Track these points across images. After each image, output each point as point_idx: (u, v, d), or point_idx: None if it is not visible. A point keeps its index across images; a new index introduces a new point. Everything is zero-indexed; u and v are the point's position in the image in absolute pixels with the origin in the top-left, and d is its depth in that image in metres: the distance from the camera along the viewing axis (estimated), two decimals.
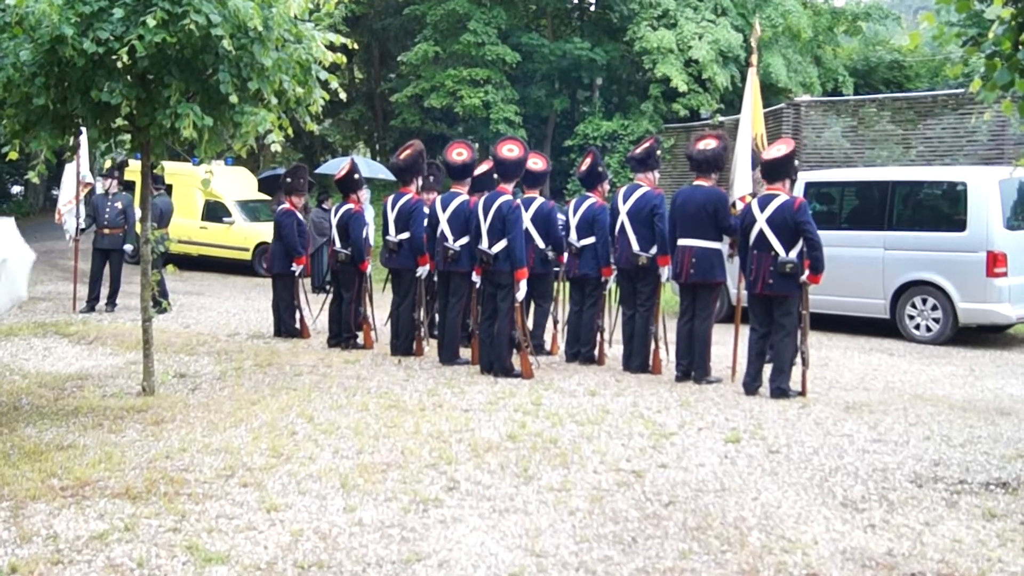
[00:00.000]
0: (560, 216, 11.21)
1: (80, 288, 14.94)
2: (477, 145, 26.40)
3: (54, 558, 5.01)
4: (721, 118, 22.88)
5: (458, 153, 10.95)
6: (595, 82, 26.34)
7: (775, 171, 9.26)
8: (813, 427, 8.00)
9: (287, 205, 12.68)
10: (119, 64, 7.29)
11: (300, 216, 12.80)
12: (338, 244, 11.77)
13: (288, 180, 12.88)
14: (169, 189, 15.97)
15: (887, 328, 13.26)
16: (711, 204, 9.72)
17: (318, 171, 22.77)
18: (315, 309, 13.12)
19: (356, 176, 11.97)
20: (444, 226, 10.59)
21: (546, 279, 11.10)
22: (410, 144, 11.48)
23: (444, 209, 10.68)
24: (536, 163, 10.96)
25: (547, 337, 11.55)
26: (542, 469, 6.69)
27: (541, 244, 10.74)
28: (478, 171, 11.00)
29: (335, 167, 17.93)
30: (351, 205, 11.78)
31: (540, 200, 10.88)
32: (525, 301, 10.64)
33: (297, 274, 12.66)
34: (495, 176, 10.40)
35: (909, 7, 55.44)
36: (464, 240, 10.42)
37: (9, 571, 4.87)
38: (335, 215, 11.89)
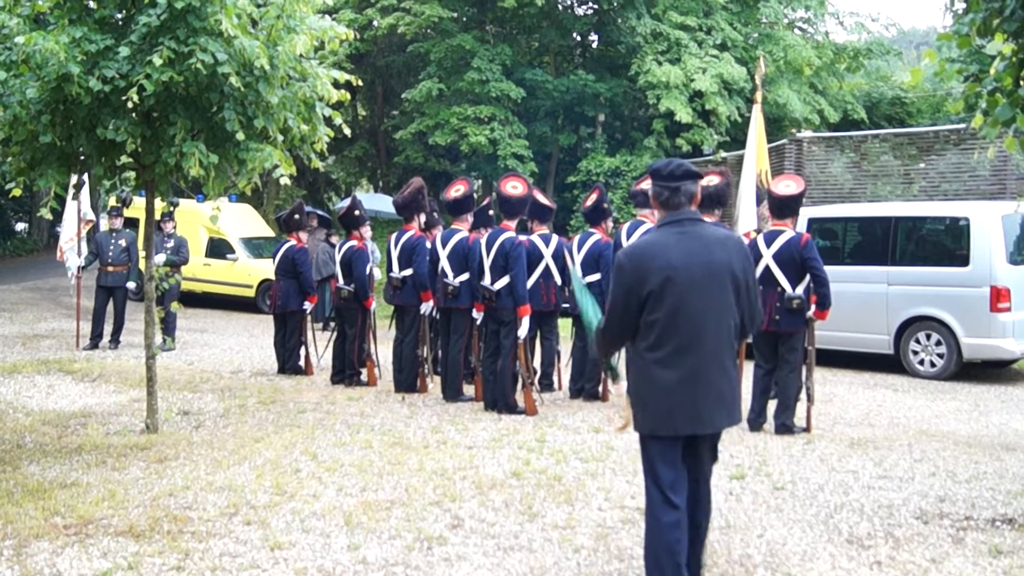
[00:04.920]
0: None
1: (83, 325, 14.96)
2: (480, 182, 26.53)
3: None
4: (724, 154, 22.97)
5: (456, 190, 10.95)
6: (598, 118, 26.48)
7: (785, 207, 9.27)
8: (818, 463, 7.98)
9: (295, 243, 12.68)
10: (128, 103, 7.33)
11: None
12: (341, 281, 11.78)
13: (296, 217, 12.88)
14: None
15: (891, 363, 13.24)
16: None
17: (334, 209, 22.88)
18: (320, 346, 13.11)
19: (357, 212, 11.98)
20: (444, 263, 10.60)
21: (554, 315, 11.09)
22: (411, 182, 11.54)
23: (444, 246, 10.69)
24: (544, 199, 11.02)
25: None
26: (546, 506, 6.66)
27: (560, 281, 10.70)
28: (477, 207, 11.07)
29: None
30: (354, 242, 11.80)
31: (557, 237, 10.88)
32: (533, 337, 10.66)
33: (308, 311, 12.68)
34: (491, 212, 10.43)
35: (910, 43, 55.76)
36: (464, 276, 10.43)
37: None
38: (339, 251, 11.91)
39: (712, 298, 4.62)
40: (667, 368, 4.59)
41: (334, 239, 17.28)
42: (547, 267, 10.54)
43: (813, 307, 9.04)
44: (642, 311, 4.64)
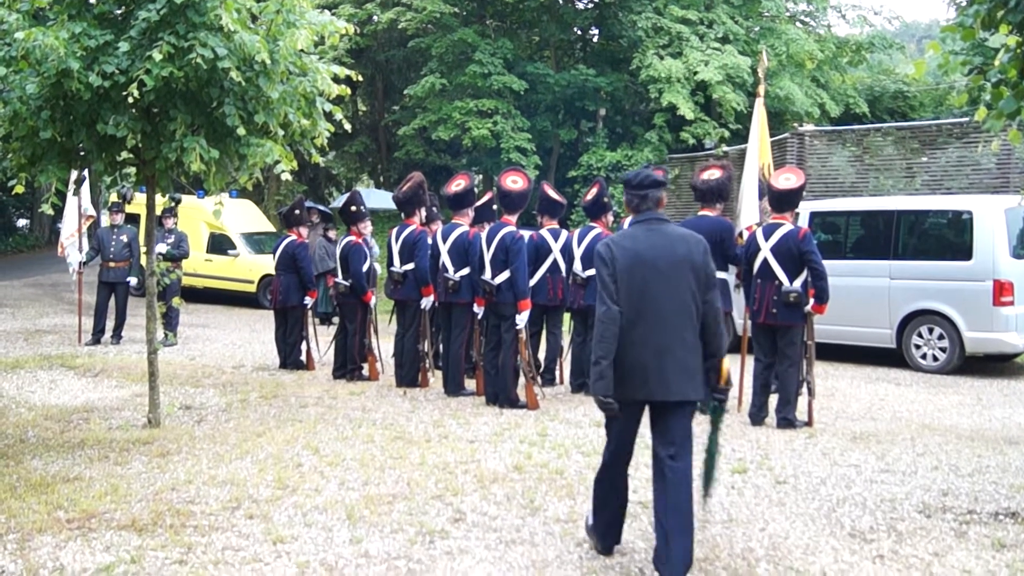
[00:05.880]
0: None
1: (85, 321, 14.97)
2: (481, 176, 26.50)
3: None
4: (725, 148, 22.93)
5: (457, 184, 10.93)
6: (599, 112, 26.47)
7: (785, 201, 9.26)
8: (820, 457, 7.97)
9: (296, 238, 12.68)
10: (129, 98, 7.32)
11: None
12: (340, 276, 11.79)
13: (296, 212, 12.88)
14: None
15: (893, 358, 13.23)
16: (717, 234, 9.71)
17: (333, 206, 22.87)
18: (321, 341, 13.09)
19: (353, 208, 11.96)
20: (445, 257, 10.59)
21: (560, 310, 11.07)
22: (410, 177, 11.52)
23: (445, 240, 10.68)
24: (555, 194, 11.03)
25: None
26: (548, 500, 6.66)
27: (567, 275, 10.71)
28: (479, 202, 11.05)
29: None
30: (352, 237, 11.80)
31: (567, 232, 10.88)
32: (538, 331, 10.65)
33: (309, 306, 12.68)
34: (494, 207, 10.43)
35: (913, 36, 55.69)
36: (465, 271, 10.42)
37: None
38: (338, 247, 11.91)
39: (674, 284, 5.26)
40: (638, 344, 5.24)
41: (331, 234, 17.28)
42: (555, 262, 10.54)
43: (811, 301, 9.02)
44: (621, 292, 5.30)
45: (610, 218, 11.22)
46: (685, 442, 5.37)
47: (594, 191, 11.19)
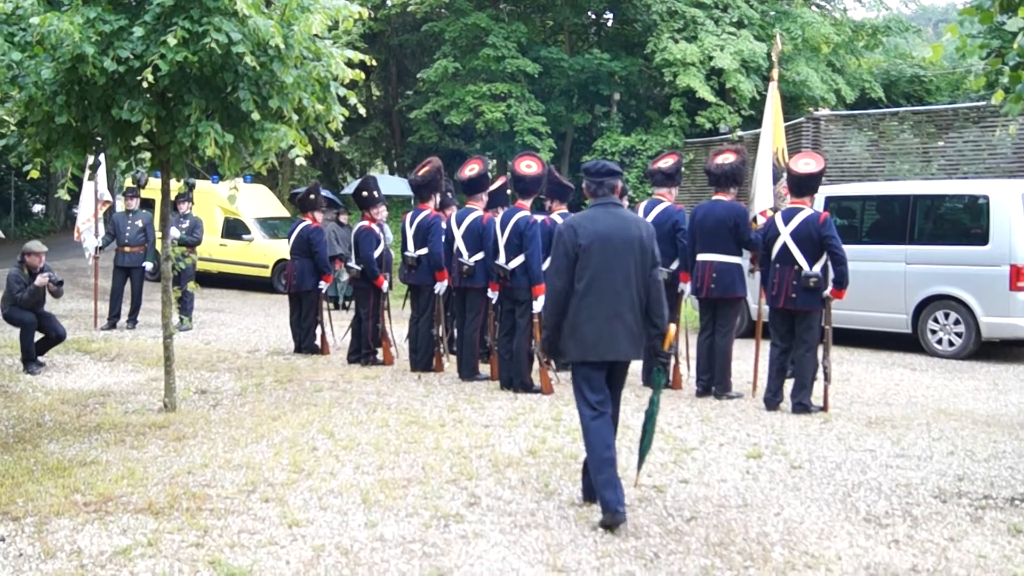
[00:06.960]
0: None
1: (101, 305, 15.02)
2: (495, 161, 26.43)
3: (78, 573, 5.02)
4: (740, 132, 22.82)
5: (471, 169, 10.91)
6: (613, 97, 26.35)
7: (805, 185, 9.20)
8: (835, 442, 7.96)
9: (311, 223, 12.69)
10: (143, 83, 7.32)
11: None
12: (352, 260, 11.82)
13: (312, 197, 12.90)
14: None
15: (909, 343, 13.19)
16: (731, 219, 9.68)
17: (343, 193, 22.86)
18: (335, 326, 13.10)
19: (365, 193, 11.95)
20: (459, 242, 10.58)
21: None
22: (428, 161, 11.51)
23: (459, 225, 10.66)
24: (561, 178, 11.01)
25: None
26: (563, 484, 6.67)
27: None
28: (493, 187, 11.03)
29: None
30: (365, 222, 11.82)
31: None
32: None
33: (324, 291, 12.71)
34: (509, 192, 10.42)
35: (929, 20, 55.34)
36: (479, 256, 10.41)
37: None
38: (352, 232, 11.92)
39: (625, 260, 6.05)
40: (594, 311, 5.99)
41: (343, 219, 17.31)
42: None
43: (830, 285, 8.99)
44: (575, 268, 6.04)
45: (625, 203, 11.17)
46: (622, 385, 6.29)
47: None
